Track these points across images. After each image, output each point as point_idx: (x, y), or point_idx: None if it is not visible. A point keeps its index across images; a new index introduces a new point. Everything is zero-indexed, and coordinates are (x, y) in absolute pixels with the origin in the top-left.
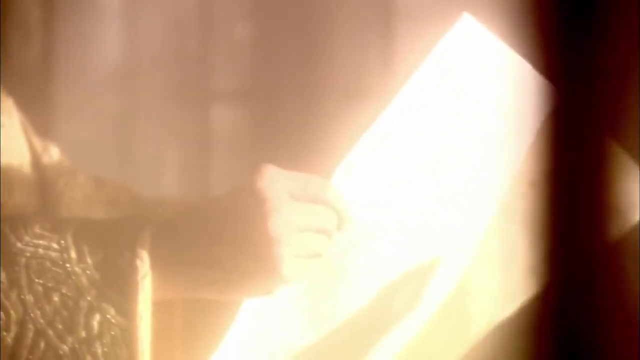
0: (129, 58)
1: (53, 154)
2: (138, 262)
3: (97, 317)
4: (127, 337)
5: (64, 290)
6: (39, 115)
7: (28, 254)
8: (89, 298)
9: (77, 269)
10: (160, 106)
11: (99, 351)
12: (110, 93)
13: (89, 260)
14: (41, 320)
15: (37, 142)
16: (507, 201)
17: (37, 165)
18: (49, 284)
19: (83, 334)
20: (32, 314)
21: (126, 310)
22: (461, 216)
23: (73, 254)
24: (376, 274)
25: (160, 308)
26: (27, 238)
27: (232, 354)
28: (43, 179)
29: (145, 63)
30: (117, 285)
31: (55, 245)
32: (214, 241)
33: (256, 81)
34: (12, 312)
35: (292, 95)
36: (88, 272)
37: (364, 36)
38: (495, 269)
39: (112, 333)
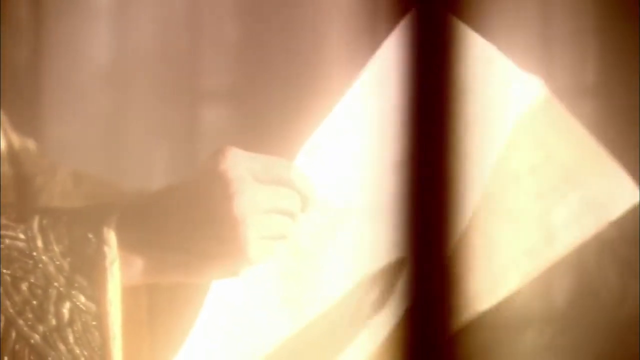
0: (118, 57)
1: (31, 150)
2: (105, 248)
3: (67, 305)
4: (98, 323)
5: (32, 280)
6: (29, 114)
7: None
8: (57, 285)
9: (44, 258)
10: (149, 105)
11: (71, 338)
12: (99, 92)
13: (56, 249)
14: (11, 311)
15: (16, 139)
16: (488, 193)
17: (14, 162)
18: (17, 274)
19: (54, 322)
20: (1, 305)
21: (96, 297)
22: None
23: (39, 243)
24: (348, 260)
25: (127, 292)
26: None
27: (203, 338)
28: (21, 176)
29: (135, 62)
30: (85, 272)
31: (21, 235)
32: (180, 224)
33: (245, 80)
34: None
35: (281, 94)
36: (55, 260)
37: (352, 35)
38: (474, 262)
39: (83, 320)
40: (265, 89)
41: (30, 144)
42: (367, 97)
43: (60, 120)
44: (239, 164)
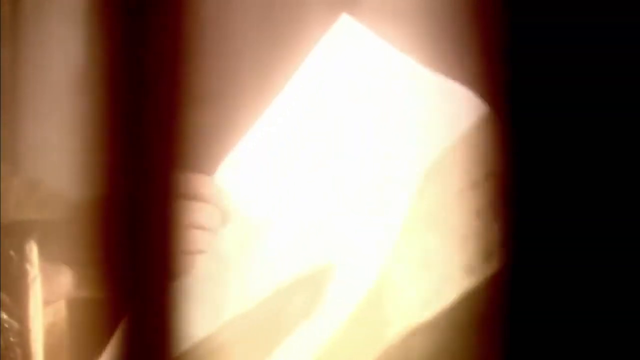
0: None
1: None
2: (27, 266)
3: None
4: (20, 340)
5: None
6: (6, 116)
7: None
8: None
9: None
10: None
11: None
12: (78, 95)
13: None
14: None
15: None
16: (426, 210)
17: None
18: None
19: None
20: None
21: (18, 314)
22: (361, 216)
23: None
24: (272, 271)
25: (48, 308)
26: None
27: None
28: None
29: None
30: (7, 289)
31: None
32: (100, 240)
33: (224, 83)
34: None
35: (260, 98)
36: None
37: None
38: (412, 276)
39: (5, 337)
40: (246, 92)
41: None
42: (287, 111)
43: (39, 123)
44: None
